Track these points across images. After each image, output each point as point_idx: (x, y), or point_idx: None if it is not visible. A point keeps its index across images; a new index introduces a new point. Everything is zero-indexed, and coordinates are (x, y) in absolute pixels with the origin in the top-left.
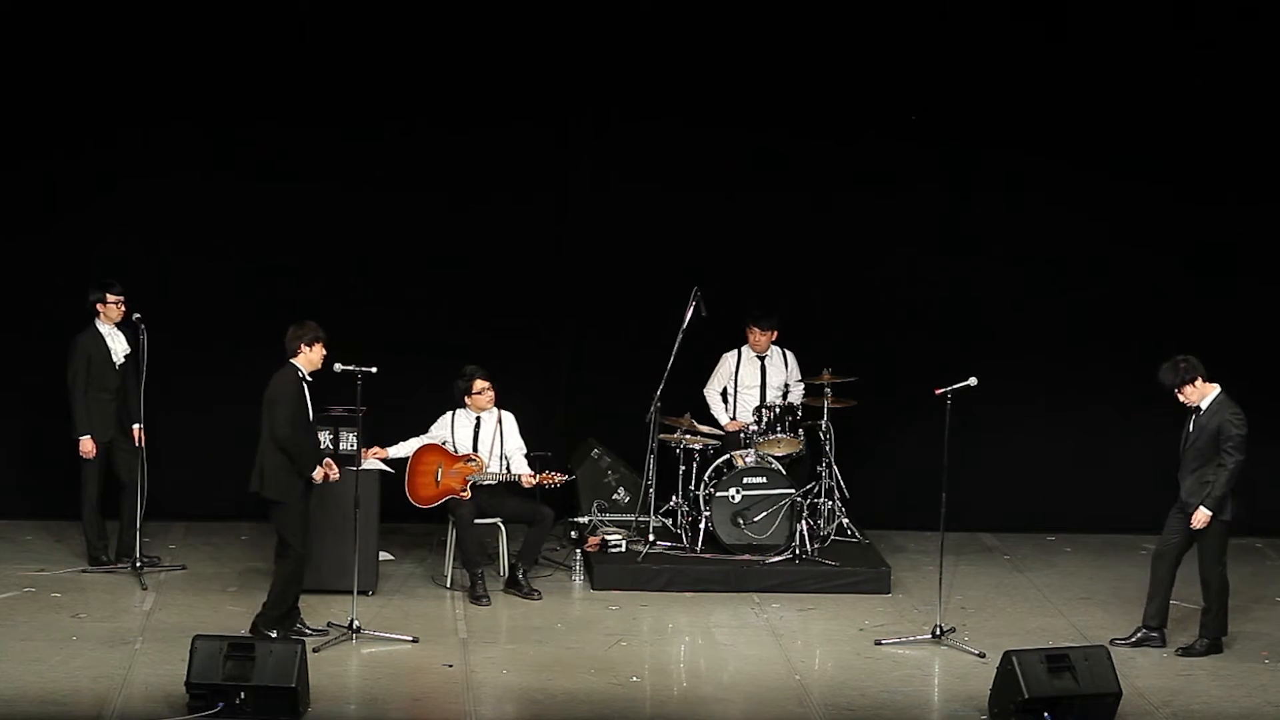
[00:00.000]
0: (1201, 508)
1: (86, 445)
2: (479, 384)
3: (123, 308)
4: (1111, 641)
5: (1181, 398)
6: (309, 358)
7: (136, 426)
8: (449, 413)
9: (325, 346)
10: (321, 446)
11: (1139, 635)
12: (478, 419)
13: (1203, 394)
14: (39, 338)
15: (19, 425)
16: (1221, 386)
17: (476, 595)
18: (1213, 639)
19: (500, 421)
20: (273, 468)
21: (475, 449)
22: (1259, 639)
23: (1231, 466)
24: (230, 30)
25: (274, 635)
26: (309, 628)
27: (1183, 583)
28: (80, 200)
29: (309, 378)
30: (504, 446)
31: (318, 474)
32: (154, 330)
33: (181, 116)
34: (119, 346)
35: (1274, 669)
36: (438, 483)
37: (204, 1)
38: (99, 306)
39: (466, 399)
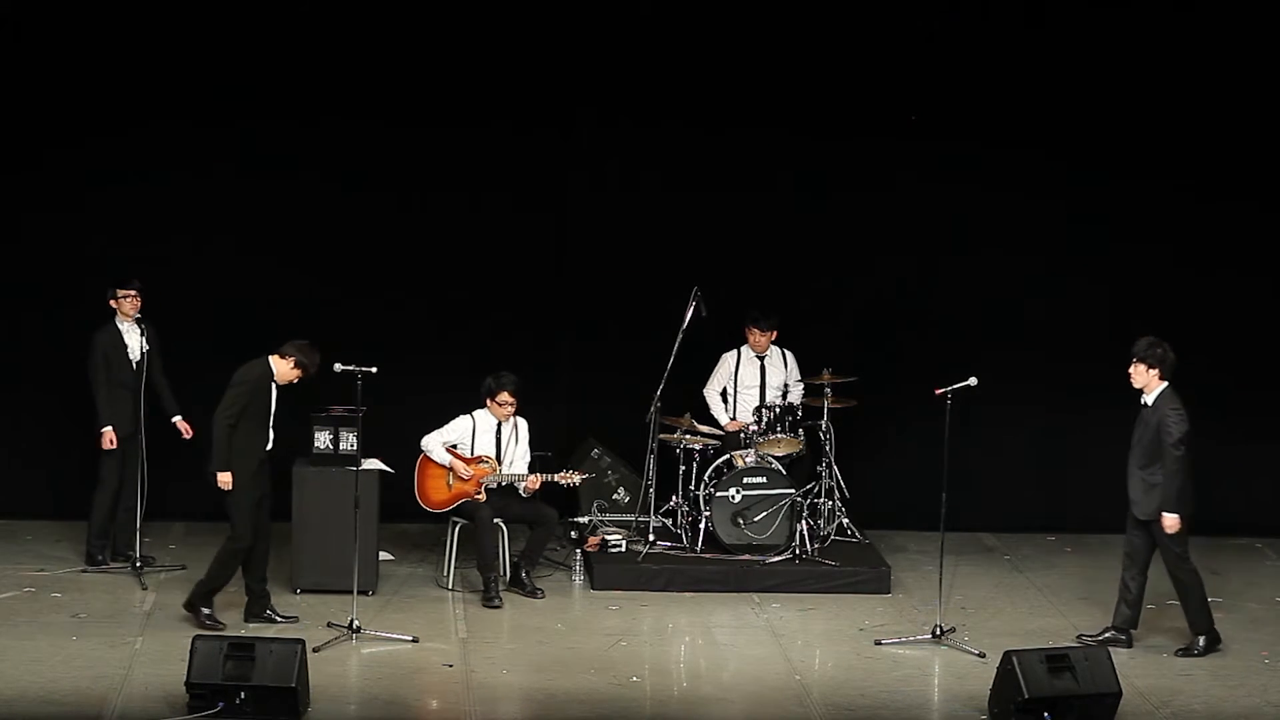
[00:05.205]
0: (1165, 515)
1: (109, 435)
2: (505, 396)
3: (137, 302)
4: (1078, 637)
5: (1131, 371)
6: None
7: (178, 419)
8: (468, 417)
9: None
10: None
11: (1106, 635)
12: (498, 425)
13: (1149, 385)
14: (44, 340)
15: (20, 425)
16: (1171, 384)
17: (489, 597)
18: (1207, 633)
19: (516, 427)
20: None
21: (499, 454)
22: (1259, 639)
23: (1172, 465)
24: (232, 28)
25: (206, 611)
26: (280, 614)
27: (1160, 579)
28: (76, 200)
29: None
30: (515, 450)
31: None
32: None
33: (182, 114)
34: (135, 344)
35: (1274, 669)
36: (450, 486)
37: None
38: (112, 303)
39: (489, 400)
